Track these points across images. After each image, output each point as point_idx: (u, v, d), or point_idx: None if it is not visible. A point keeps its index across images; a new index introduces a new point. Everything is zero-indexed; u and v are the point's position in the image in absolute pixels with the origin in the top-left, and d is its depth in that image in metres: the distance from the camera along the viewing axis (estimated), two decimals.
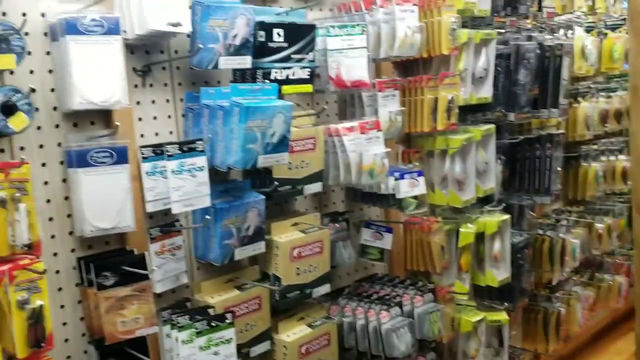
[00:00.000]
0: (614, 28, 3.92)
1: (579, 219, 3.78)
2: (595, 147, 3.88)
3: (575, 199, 3.92)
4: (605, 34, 3.79)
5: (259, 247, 2.10)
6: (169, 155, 1.80)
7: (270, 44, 2.06)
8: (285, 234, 2.20)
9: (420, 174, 2.49)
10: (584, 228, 3.78)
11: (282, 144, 1.95)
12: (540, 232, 3.49)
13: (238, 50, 1.97)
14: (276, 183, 2.08)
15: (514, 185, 3.33)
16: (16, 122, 1.58)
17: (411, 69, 2.84)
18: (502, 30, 3.09)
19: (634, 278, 2.54)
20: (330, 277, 2.36)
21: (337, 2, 2.54)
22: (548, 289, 3.66)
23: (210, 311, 1.97)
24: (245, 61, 2.00)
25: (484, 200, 3.06)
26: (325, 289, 2.31)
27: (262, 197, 2.08)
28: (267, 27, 2.04)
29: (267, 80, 2.05)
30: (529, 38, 3.07)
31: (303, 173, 2.22)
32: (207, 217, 1.92)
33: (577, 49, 3.47)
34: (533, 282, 3.48)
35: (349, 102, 2.58)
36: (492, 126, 2.89)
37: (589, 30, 3.68)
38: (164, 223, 2.01)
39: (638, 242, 2.32)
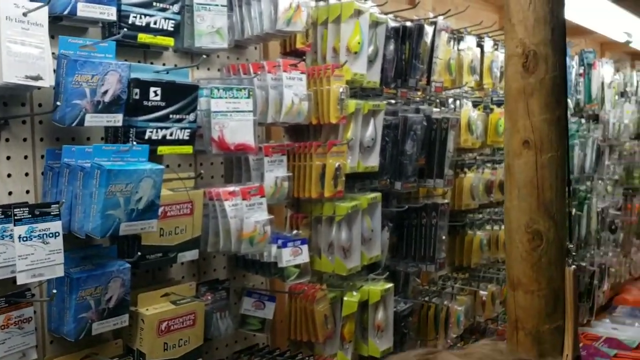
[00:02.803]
0: (499, 104, 4.02)
1: (463, 286, 3.76)
2: (480, 216, 3.91)
3: (461, 266, 3.91)
4: (492, 109, 3.87)
5: (121, 321, 1.86)
6: (17, 220, 1.56)
7: (146, 103, 1.89)
8: (153, 306, 1.98)
9: (304, 242, 2.35)
10: (469, 295, 3.76)
11: (150, 210, 1.76)
12: (426, 299, 3.42)
13: (108, 108, 1.78)
14: (139, 253, 1.87)
15: (401, 252, 3.26)
16: None
17: (302, 135, 2.74)
18: (393, 102, 3.07)
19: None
20: (203, 351, 2.14)
21: (226, 63, 2.41)
22: None
23: None
24: (115, 119, 1.81)
25: (372, 268, 2.96)
26: None
27: (128, 265, 1.86)
28: (142, 85, 1.87)
29: (137, 140, 1.86)
30: (417, 110, 3.06)
31: (177, 239, 2.02)
32: (55, 290, 1.68)
33: (464, 122, 3.51)
34: None
35: (235, 164, 2.43)
36: (378, 194, 2.82)
37: (476, 104, 3.75)
38: (11, 292, 1.74)
39: (511, 318, 2.25)
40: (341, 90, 2.51)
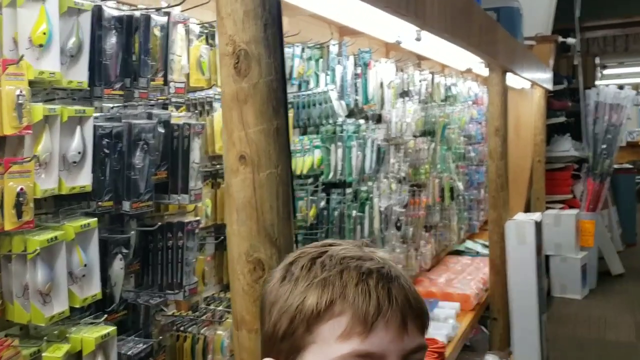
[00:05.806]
0: None
1: (229, 309, 3.31)
2: None
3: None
4: None
5: None
6: None
7: None
8: None
9: None
10: None
11: None
12: (181, 329, 2.92)
13: None
14: None
15: (146, 281, 2.72)
16: None
17: None
18: (120, 105, 2.51)
19: None
20: None
21: None
22: None
23: None
24: None
25: (101, 307, 2.39)
26: None
27: None
28: None
29: None
30: (150, 116, 2.53)
31: None
32: None
33: (218, 127, 3.04)
34: None
35: None
36: (93, 220, 2.24)
37: None
38: None
39: (239, 357, 1.85)
40: (18, 92, 1.90)
